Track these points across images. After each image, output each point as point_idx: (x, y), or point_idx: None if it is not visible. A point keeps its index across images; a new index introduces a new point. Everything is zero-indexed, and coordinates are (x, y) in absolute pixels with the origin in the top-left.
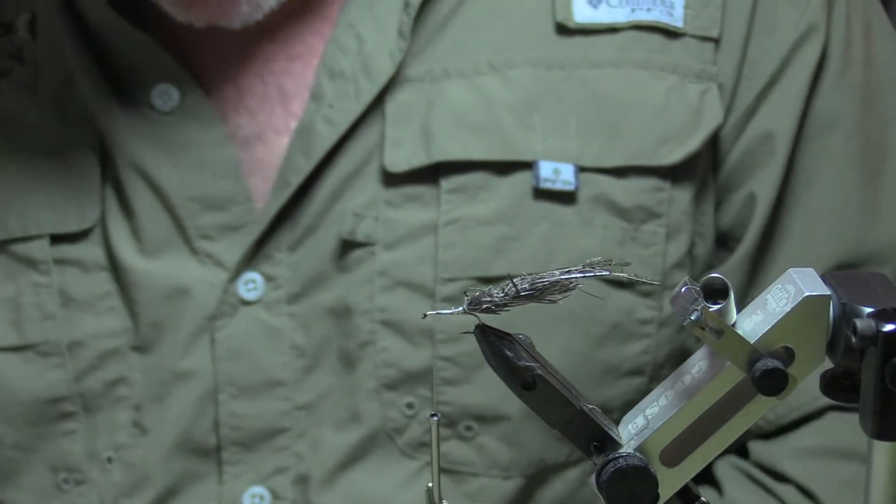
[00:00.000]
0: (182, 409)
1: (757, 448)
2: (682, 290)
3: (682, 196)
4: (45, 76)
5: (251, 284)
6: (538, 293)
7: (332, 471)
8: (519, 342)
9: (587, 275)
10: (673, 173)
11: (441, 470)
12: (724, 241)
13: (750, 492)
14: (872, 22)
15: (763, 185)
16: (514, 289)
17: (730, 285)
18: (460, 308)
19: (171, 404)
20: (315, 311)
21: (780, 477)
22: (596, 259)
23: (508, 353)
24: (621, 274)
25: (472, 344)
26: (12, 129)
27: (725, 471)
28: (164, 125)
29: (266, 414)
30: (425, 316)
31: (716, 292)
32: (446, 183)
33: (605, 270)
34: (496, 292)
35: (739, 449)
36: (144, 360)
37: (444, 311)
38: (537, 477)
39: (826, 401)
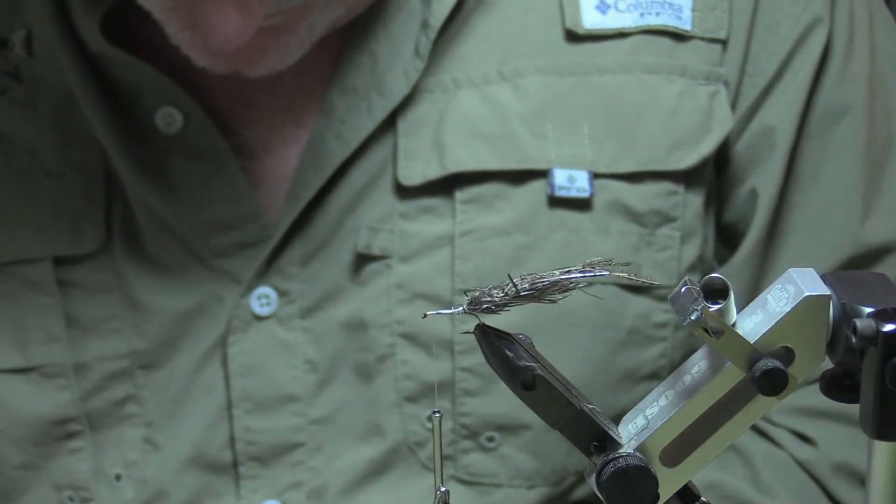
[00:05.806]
0: (196, 425)
1: None
2: (682, 290)
3: (694, 199)
4: (43, 96)
5: (264, 300)
6: (538, 293)
7: (350, 484)
8: (519, 342)
9: (587, 275)
10: (686, 177)
11: (464, 482)
12: (729, 238)
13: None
14: (874, 13)
15: (764, 180)
16: (514, 289)
17: (730, 285)
18: (460, 308)
19: (184, 420)
20: (329, 324)
21: (773, 421)
22: (596, 259)
23: (508, 353)
24: (621, 274)
25: None
26: (11, 149)
27: None
28: (169, 148)
29: (281, 429)
30: (425, 316)
31: (716, 292)
32: (461, 194)
33: (605, 271)
34: (496, 292)
35: None
36: (155, 377)
37: (444, 311)
38: (561, 485)
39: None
